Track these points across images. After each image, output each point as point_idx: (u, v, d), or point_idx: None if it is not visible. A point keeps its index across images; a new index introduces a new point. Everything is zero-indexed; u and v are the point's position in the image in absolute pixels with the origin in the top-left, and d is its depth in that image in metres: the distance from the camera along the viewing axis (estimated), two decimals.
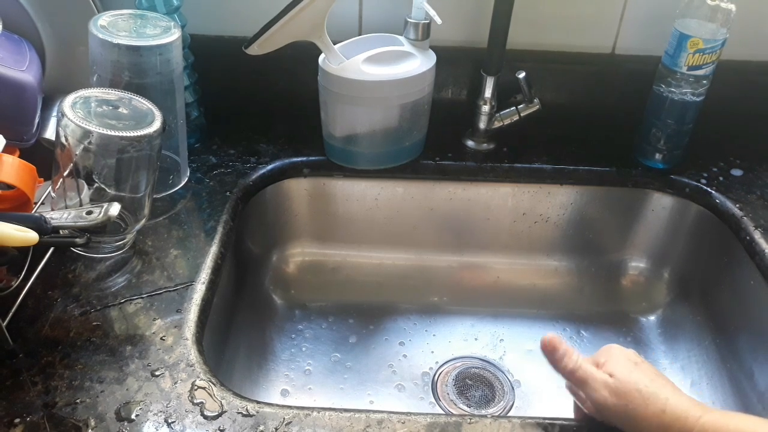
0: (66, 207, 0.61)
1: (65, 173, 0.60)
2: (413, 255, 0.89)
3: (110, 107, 0.61)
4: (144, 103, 0.62)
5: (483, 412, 0.73)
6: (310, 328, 0.82)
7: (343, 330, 0.82)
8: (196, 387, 0.53)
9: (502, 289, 0.88)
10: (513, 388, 0.76)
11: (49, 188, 0.64)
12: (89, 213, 0.57)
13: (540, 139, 0.86)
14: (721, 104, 0.81)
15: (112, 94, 0.62)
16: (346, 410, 0.52)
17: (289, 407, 0.52)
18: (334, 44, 0.74)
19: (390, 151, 0.80)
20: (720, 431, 0.44)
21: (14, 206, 0.60)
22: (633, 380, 0.48)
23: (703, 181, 0.81)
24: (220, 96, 0.85)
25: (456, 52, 0.84)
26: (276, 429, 0.50)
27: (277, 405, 0.52)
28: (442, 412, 0.73)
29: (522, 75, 0.80)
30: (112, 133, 0.58)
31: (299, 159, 0.82)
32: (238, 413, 0.51)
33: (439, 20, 0.72)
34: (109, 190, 0.61)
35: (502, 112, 0.84)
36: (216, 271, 0.65)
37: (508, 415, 0.73)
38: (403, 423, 0.51)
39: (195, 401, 0.52)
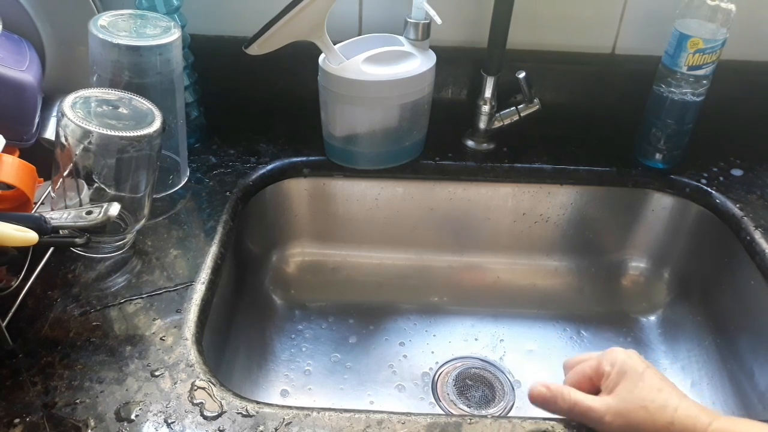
0: (66, 207, 0.61)
1: (65, 173, 0.60)
2: (413, 255, 0.89)
3: (110, 107, 0.61)
4: (144, 103, 0.62)
5: (483, 412, 0.73)
6: (310, 329, 0.82)
7: (343, 330, 0.82)
8: (195, 387, 0.53)
9: (503, 289, 0.88)
10: (513, 388, 0.76)
11: (49, 188, 0.64)
12: (89, 213, 0.57)
13: (540, 139, 0.86)
14: (721, 104, 0.81)
15: (112, 94, 0.62)
16: (346, 410, 0.52)
17: (289, 407, 0.52)
18: (334, 44, 0.74)
19: (390, 151, 0.80)
20: None
21: (14, 206, 0.60)
22: (638, 397, 0.46)
23: (704, 181, 0.81)
24: (220, 96, 0.85)
25: (456, 52, 0.84)
26: (276, 429, 0.50)
27: (277, 405, 0.52)
28: (442, 413, 0.73)
29: (522, 75, 0.80)
30: (112, 133, 0.58)
31: (299, 159, 0.82)
32: (238, 413, 0.51)
33: (439, 20, 0.72)
34: (108, 190, 0.61)
35: (502, 112, 0.83)
36: (216, 271, 0.65)
37: (509, 415, 0.73)
38: (403, 423, 0.51)
39: (195, 401, 0.52)
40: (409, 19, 0.75)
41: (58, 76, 0.74)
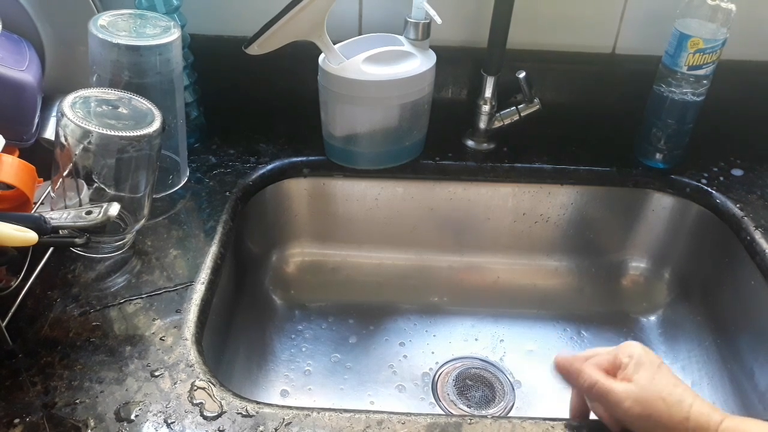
0: (65, 207, 0.61)
1: (65, 173, 0.60)
2: (413, 255, 0.89)
3: (110, 107, 0.61)
4: (144, 103, 0.62)
5: (483, 412, 0.73)
6: (309, 329, 0.82)
7: (343, 330, 0.82)
8: (195, 387, 0.53)
9: (503, 289, 0.88)
10: (513, 388, 0.76)
11: (49, 188, 0.64)
12: (89, 213, 0.57)
13: (540, 139, 0.86)
14: (721, 104, 0.81)
15: (112, 94, 0.62)
16: (345, 411, 0.52)
17: (289, 408, 0.52)
18: (334, 44, 0.74)
19: (390, 151, 0.80)
20: None
21: (14, 206, 0.60)
22: (657, 388, 0.47)
23: (704, 181, 0.81)
24: (220, 96, 0.85)
25: (456, 52, 0.84)
26: (276, 429, 0.50)
27: (277, 405, 0.52)
28: (443, 413, 0.73)
29: (522, 75, 0.80)
30: (112, 132, 0.57)
31: (299, 159, 0.82)
32: (238, 414, 0.51)
33: (439, 20, 0.72)
34: (108, 190, 0.61)
35: (502, 112, 0.83)
36: (216, 271, 0.65)
37: (509, 415, 0.73)
38: (403, 423, 0.51)
39: (194, 402, 0.52)
40: (409, 19, 0.75)
41: (58, 76, 0.74)
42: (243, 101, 0.88)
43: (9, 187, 0.59)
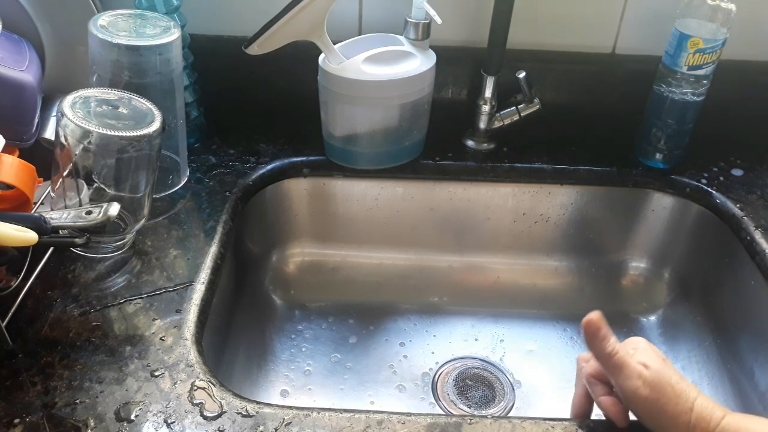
0: (65, 207, 0.61)
1: (65, 173, 0.60)
2: (413, 255, 0.89)
3: (110, 107, 0.61)
4: (144, 103, 0.62)
5: (483, 412, 0.73)
6: (309, 329, 0.82)
7: (343, 330, 0.82)
8: (195, 387, 0.53)
9: (503, 289, 0.88)
10: (513, 388, 0.76)
11: (49, 188, 0.64)
12: (89, 213, 0.57)
13: (540, 139, 0.86)
14: (721, 104, 0.81)
15: (112, 94, 0.62)
16: (345, 411, 0.52)
17: (289, 408, 0.52)
18: (334, 44, 0.74)
19: (390, 151, 0.80)
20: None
21: (14, 206, 0.60)
22: (666, 375, 0.47)
23: (704, 181, 0.81)
24: (220, 96, 0.85)
25: (456, 52, 0.84)
26: (276, 429, 0.50)
27: (277, 405, 0.52)
28: (443, 413, 0.73)
29: (522, 75, 0.80)
30: (112, 133, 0.57)
31: (299, 159, 0.82)
32: (238, 414, 0.51)
33: (439, 20, 0.72)
34: (108, 190, 0.61)
35: (502, 112, 0.83)
36: (216, 271, 0.65)
37: (509, 415, 0.73)
38: (403, 423, 0.51)
39: (194, 402, 0.52)
40: (409, 19, 0.75)
41: (58, 76, 0.74)
42: (243, 101, 0.88)
43: (9, 187, 0.59)
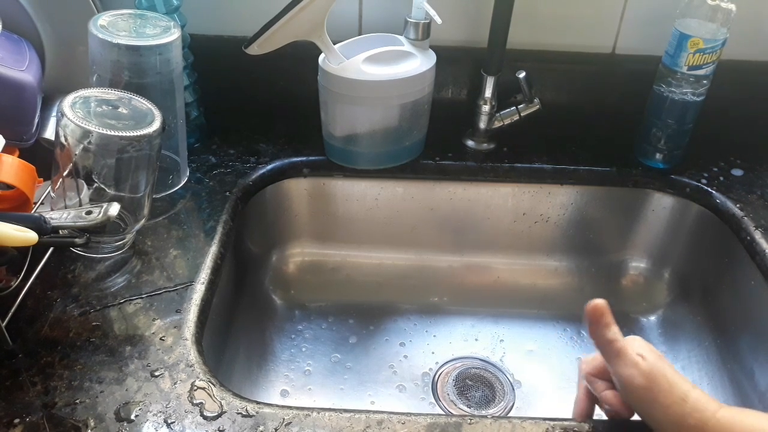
0: (65, 207, 0.61)
1: (65, 173, 0.60)
2: (413, 255, 0.89)
3: (110, 107, 0.61)
4: (144, 103, 0.62)
5: (483, 412, 0.73)
6: (309, 329, 0.82)
7: (343, 330, 0.82)
8: (195, 387, 0.53)
9: (503, 289, 0.88)
10: (513, 388, 0.76)
11: (49, 188, 0.64)
12: (89, 213, 0.57)
13: (540, 139, 0.86)
14: (721, 104, 0.81)
15: (112, 94, 0.62)
16: (345, 411, 0.52)
17: (289, 408, 0.52)
18: (334, 44, 0.74)
19: (390, 151, 0.80)
20: (736, 426, 0.45)
21: (14, 206, 0.60)
22: (661, 367, 0.48)
23: (704, 181, 0.81)
24: (220, 96, 0.85)
25: (456, 52, 0.84)
26: (276, 429, 0.50)
27: (277, 405, 0.52)
28: (443, 413, 0.73)
29: (522, 75, 0.80)
30: (112, 132, 0.57)
31: (299, 159, 0.82)
32: (238, 414, 0.51)
33: (439, 20, 0.72)
34: (108, 190, 0.61)
35: (502, 112, 0.83)
36: (216, 271, 0.65)
37: (509, 415, 0.73)
38: (403, 423, 0.51)
39: (194, 402, 0.52)
40: (409, 19, 0.75)
41: (58, 76, 0.74)
42: (243, 101, 0.88)
43: (9, 187, 0.59)
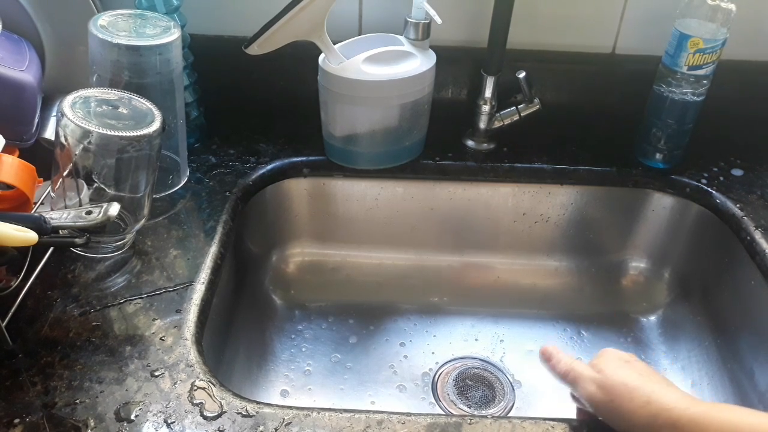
0: (65, 207, 0.61)
1: (65, 173, 0.60)
2: (413, 255, 0.89)
3: (110, 107, 0.61)
4: (144, 103, 0.62)
5: (483, 412, 0.73)
6: (310, 329, 0.82)
7: (343, 330, 0.82)
8: (195, 387, 0.53)
9: (503, 289, 0.88)
10: (513, 388, 0.76)
11: (49, 188, 0.64)
12: (89, 213, 0.57)
13: (540, 139, 0.86)
14: (721, 104, 0.81)
15: (112, 94, 0.62)
16: (345, 411, 0.52)
17: (289, 408, 0.52)
18: (334, 44, 0.74)
19: (390, 151, 0.80)
20: (708, 422, 0.44)
21: (14, 206, 0.60)
22: (620, 375, 0.49)
23: (704, 181, 0.81)
24: (220, 96, 0.85)
25: (456, 52, 0.84)
26: (276, 429, 0.50)
27: (277, 405, 0.52)
28: (443, 413, 0.73)
29: (522, 75, 0.80)
30: (112, 133, 0.57)
31: (299, 159, 0.82)
32: (238, 414, 0.51)
33: (439, 20, 0.72)
34: (108, 190, 0.61)
35: (502, 112, 0.83)
36: (216, 271, 0.65)
37: (509, 415, 0.73)
38: (403, 423, 0.51)
39: (194, 402, 0.52)
40: (409, 19, 0.75)
41: (58, 76, 0.74)
42: (243, 101, 0.88)
43: (9, 187, 0.59)
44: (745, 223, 0.75)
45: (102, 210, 0.57)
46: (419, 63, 0.75)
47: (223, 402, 0.52)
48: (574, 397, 0.54)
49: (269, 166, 0.81)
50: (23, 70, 0.65)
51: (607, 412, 0.49)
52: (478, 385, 0.76)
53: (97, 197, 0.61)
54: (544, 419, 0.52)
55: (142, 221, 0.66)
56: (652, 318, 0.85)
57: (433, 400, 0.75)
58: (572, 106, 0.88)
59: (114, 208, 0.57)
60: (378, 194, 0.85)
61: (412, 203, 0.85)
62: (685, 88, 0.77)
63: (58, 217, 0.57)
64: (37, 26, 0.72)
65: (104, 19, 0.66)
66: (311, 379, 0.76)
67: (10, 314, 0.58)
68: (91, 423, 0.50)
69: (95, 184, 0.61)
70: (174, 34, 0.66)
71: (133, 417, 0.51)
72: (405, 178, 0.83)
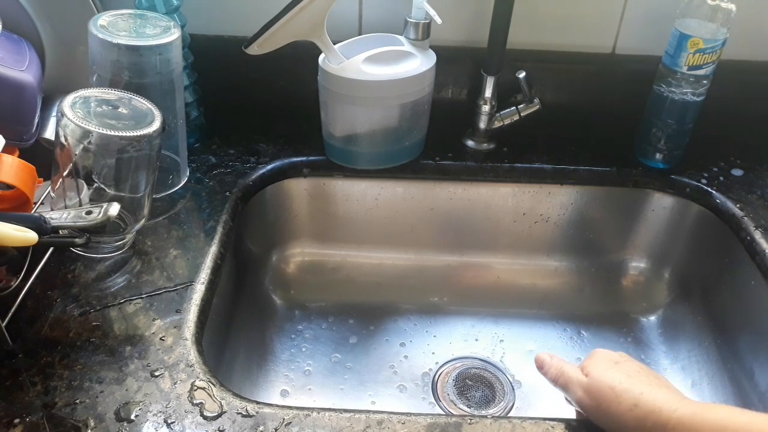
0: (65, 207, 0.61)
1: (65, 173, 0.60)
2: (413, 255, 0.89)
3: (110, 107, 0.61)
4: (144, 103, 0.62)
5: (483, 412, 0.73)
6: (310, 329, 0.82)
7: (343, 330, 0.82)
8: (195, 387, 0.53)
9: (503, 289, 0.88)
10: (513, 388, 0.76)
11: (49, 188, 0.64)
12: (89, 213, 0.57)
13: (540, 139, 0.86)
14: (721, 104, 0.81)
15: (112, 94, 0.62)
16: (345, 411, 0.52)
17: (289, 408, 0.52)
18: (334, 44, 0.74)
19: (390, 151, 0.80)
20: (697, 423, 0.44)
21: (14, 206, 0.60)
22: (607, 378, 0.49)
23: (704, 181, 0.81)
24: (220, 96, 0.85)
25: (456, 52, 0.84)
26: (276, 429, 0.50)
27: (277, 405, 0.52)
28: (443, 413, 0.73)
29: (522, 75, 0.80)
30: (112, 132, 0.57)
31: (299, 159, 0.82)
32: (238, 414, 0.51)
33: (439, 20, 0.72)
34: (108, 190, 0.61)
35: (502, 112, 0.83)
36: (216, 271, 0.65)
37: (509, 415, 0.73)
38: (403, 423, 0.51)
39: (194, 402, 0.52)
40: (409, 19, 0.75)
41: (58, 76, 0.74)
42: (243, 101, 0.88)
43: (9, 187, 0.59)
44: (745, 223, 0.75)
45: (102, 210, 0.57)
46: (419, 63, 0.75)
47: (223, 402, 0.52)
48: (568, 401, 0.54)
49: (269, 166, 0.81)
50: (23, 70, 0.65)
51: (596, 416, 0.49)
52: (478, 385, 0.76)
53: (97, 197, 0.61)
54: (544, 419, 0.52)
55: (142, 221, 0.66)
56: (652, 318, 0.85)
57: (433, 400, 0.75)
58: (572, 106, 0.88)
59: (114, 208, 0.57)
60: (378, 194, 0.85)
61: (412, 203, 0.85)
62: (685, 88, 0.77)
63: (58, 217, 0.57)
64: (37, 26, 0.72)
65: (104, 19, 0.66)
66: (311, 379, 0.76)
67: (10, 314, 0.58)
68: (91, 423, 0.50)
69: (95, 184, 0.61)
70: (174, 34, 0.67)
71: (133, 417, 0.51)
72: (405, 178, 0.83)
